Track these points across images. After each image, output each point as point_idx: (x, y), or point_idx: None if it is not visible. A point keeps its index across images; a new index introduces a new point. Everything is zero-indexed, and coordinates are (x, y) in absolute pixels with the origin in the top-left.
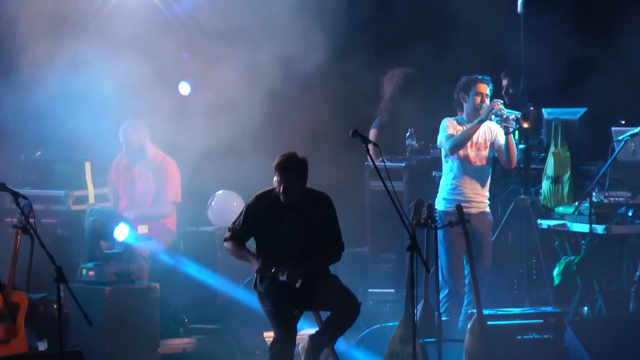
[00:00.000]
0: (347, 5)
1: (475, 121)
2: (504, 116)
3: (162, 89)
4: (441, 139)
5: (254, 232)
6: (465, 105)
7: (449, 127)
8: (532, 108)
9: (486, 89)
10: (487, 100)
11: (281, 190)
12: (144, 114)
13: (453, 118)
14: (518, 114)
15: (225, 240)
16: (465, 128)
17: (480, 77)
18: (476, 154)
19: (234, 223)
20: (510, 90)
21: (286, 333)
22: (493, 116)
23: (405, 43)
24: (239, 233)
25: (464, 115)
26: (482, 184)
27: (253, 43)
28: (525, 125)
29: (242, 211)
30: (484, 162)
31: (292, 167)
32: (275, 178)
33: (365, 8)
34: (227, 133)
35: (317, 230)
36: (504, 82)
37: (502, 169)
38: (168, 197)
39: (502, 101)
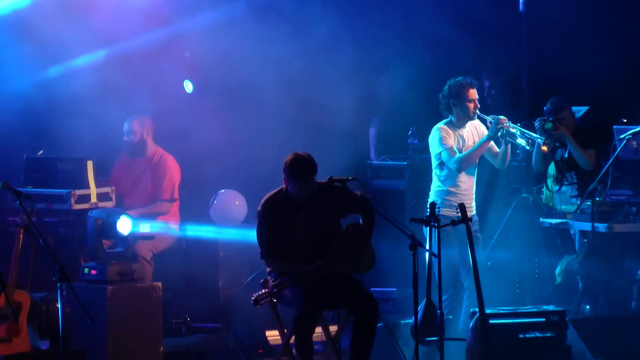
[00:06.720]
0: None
1: (484, 138)
2: (515, 134)
3: (165, 86)
4: (439, 151)
5: (280, 234)
6: (455, 110)
7: (445, 138)
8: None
9: (476, 93)
10: (477, 105)
11: (301, 194)
12: (149, 113)
13: (444, 123)
14: (540, 139)
15: (264, 259)
16: (456, 133)
17: (469, 81)
18: None
19: (260, 240)
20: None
21: (311, 307)
22: (500, 136)
23: (405, 43)
24: (273, 247)
25: (454, 120)
26: (473, 184)
27: (259, 41)
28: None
29: (259, 223)
30: (475, 163)
31: (311, 173)
32: (290, 183)
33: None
34: (229, 131)
35: (337, 217)
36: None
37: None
38: (165, 194)
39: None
